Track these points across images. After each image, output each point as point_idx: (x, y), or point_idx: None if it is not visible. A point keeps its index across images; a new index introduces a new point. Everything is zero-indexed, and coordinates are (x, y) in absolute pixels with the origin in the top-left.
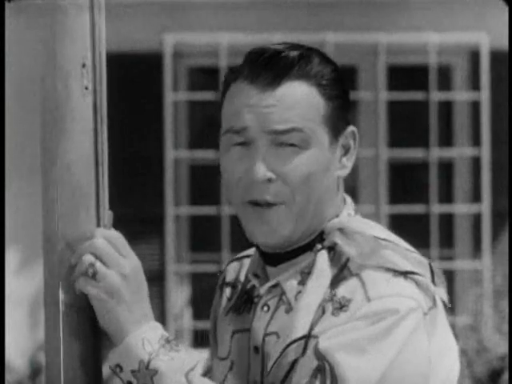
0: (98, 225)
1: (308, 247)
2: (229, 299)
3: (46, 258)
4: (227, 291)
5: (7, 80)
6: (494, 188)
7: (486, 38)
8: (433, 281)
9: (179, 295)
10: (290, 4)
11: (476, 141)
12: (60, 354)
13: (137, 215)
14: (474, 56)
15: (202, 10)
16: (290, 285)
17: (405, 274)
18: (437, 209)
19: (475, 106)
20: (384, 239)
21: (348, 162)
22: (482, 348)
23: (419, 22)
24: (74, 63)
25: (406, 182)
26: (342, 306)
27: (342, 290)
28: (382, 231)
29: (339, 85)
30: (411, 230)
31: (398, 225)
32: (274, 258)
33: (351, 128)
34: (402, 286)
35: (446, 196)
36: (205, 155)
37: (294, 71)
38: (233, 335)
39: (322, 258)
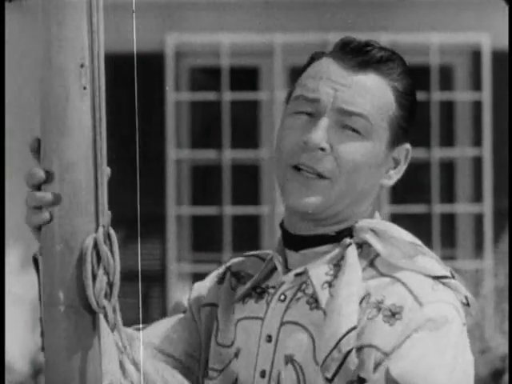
0: (97, 225)
1: (334, 239)
2: (232, 288)
3: (44, 259)
4: (232, 281)
5: (7, 80)
6: (495, 188)
7: (488, 38)
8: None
9: (181, 295)
10: (292, 4)
11: (478, 141)
12: (59, 354)
13: (138, 215)
14: (476, 56)
15: (204, 10)
16: (317, 274)
17: (441, 278)
18: (438, 209)
19: (477, 106)
20: (420, 245)
21: (394, 176)
22: (484, 348)
23: (421, 22)
24: (72, 63)
25: (407, 182)
26: (393, 314)
27: (389, 297)
28: (410, 236)
29: (411, 97)
30: (413, 230)
31: (400, 225)
32: (296, 241)
33: (407, 146)
34: (445, 292)
35: (448, 196)
36: (207, 155)
37: (380, 66)
38: (237, 323)
39: (353, 252)
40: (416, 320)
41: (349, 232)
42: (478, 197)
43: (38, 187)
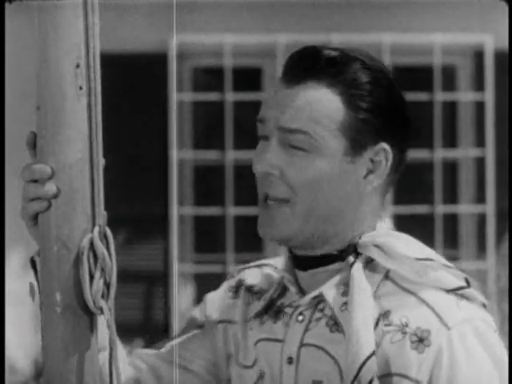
0: (93, 225)
1: (339, 258)
2: (247, 303)
3: (42, 259)
4: (246, 296)
5: (7, 80)
6: (498, 188)
7: (491, 39)
8: None
9: (183, 296)
10: (294, 5)
11: (480, 141)
12: (56, 355)
13: (141, 215)
14: (479, 56)
15: (207, 10)
16: (334, 296)
17: (456, 290)
18: (441, 209)
19: (480, 107)
20: (425, 259)
21: (376, 180)
22: None
23: (423, 23)
24: (67, 63)
25: (410, 183)
26: (421, 339)
27: (413, 319)
28: (420, 249)
29: (375, 97)
30: (416, 230)
31: (403, 225)
32: (303, 261)
33: (383, 146)
34: (470, 307)
35: (451, 196)
36: (209, 156)
37: (320, 73)
38: (256, 343)
39: (358, 270)
40: (446, 345)
41: (353, 249)
42: (480, 197)
43: (35, 181)
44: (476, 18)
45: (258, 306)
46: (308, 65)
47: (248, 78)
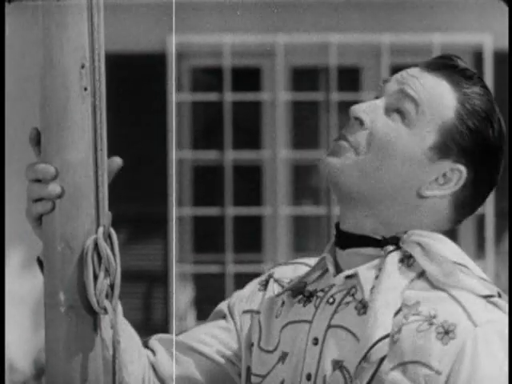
0: (97, 225)
1: (381, 243)
2: (276, 295)
3: (45, 259)
4: (275, 287)
5: (7, 80)
6: (497, 188)
7: (490, 39)
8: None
9: (183, 296)
10: (293, 5)
11: None
12: (60, 355)
13: (140, 216)
14: (478, 57)
15: (206, 10)
16: (367, 278)
17: (486, 297)
18: None
19: None
20: (464, 265)
21: (436, 191)
22: None
23: (422, 23)
24: (72, 64)
25: None
26: (447, 332)
27: (441, 312)
28: (460, 256)
29: (481, 128)
30: None
31: None
32: (346, 238)
33: (461, 168)
34: (498, 311)
35: None
36: (208, 156)
37: (456, 76)
38: (283, 328)
39: (393, 259)
40: (471, 341)
41: (396, 240)
42: None
43: (38, 181)
44: (475, 18)
45: (292, 283)
46: (449, 64)
47: (247, 78)
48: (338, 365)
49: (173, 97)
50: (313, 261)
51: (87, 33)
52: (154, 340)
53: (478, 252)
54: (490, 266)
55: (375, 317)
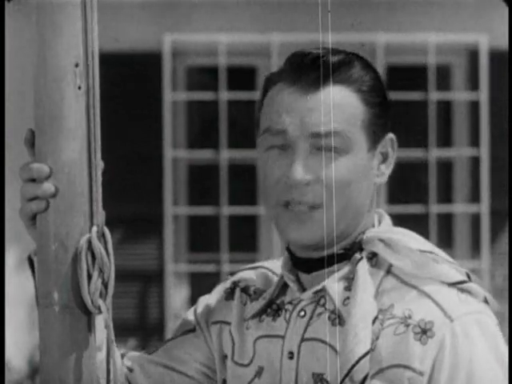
0: (92, 224)
1: (345, 256)
2: (244, 305)
3: (39, 258)
4: (243, 297)
5: (7, 80)
6: (493, 188)
7: (486, 38)
8: None
9: (178, 295)
10: (289, 4)
11: (475, 141)
12: (54, 354)
13: (135, 215)
14: (473, 56)
15: (201, 9)
16: (336, 290)
17: (458, 283)
18: (436, 209)
19: (474, 106)
20: (429, 251)
21: (386, 170)
22: None
23: (418, 22)
24: (66, 63)
25: (404, 182)
26: (424, 331)
27: (416, 311)
28: (423, 243)
29: (379, 92)
30: (410, 230)
31: (397, 225)
32: (308, 264)
33: (390, 135)
34: (472, 300)
35: (445, 196)
36: (203, 155)
37: (336, 76)
38: (255, 341)
39: (363, 267)
40: (449, 336)
41: (358, 246)
42: (475, 197)
43: (33, 180)
44: (470, 18)
45: (256, 305)
46: (324, 69)
47: (242, 77)
48: (318, 378)
49: (168, 96)
50: (271, 264)
51: (81, 32)
52: (129, 358)
53: (473, 252)
54: (486, 266)
55: (355, 332)
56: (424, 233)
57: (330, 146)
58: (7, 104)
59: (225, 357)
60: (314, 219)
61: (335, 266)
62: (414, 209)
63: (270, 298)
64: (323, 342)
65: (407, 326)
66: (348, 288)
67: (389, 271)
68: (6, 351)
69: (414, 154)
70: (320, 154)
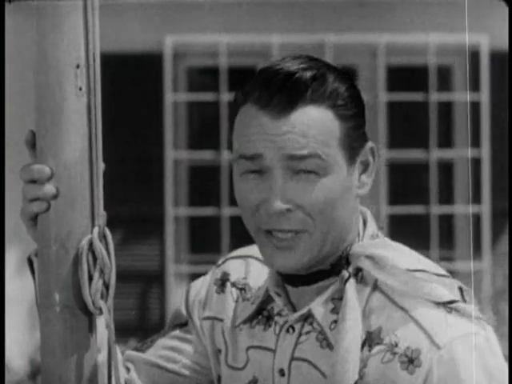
0: (93, 225)
1: (332, 272)
2: (235, 301)
3: (40, 259)
4: (233, 292)
5: (8, 81)
6: (493, 189)
7: (486, 39)
8: (464, 301)
9: (179, 296)
10: (289, 5)
11: (476, 142)
12: (55, 355)
13: (136, 216)
14: (474, 57)
15: (202, 10)
16: (323, 314)
17: (448, 303)
18: (437, 210)
19: (475, 107)
20: (417, 270)
21: (368, 179)
22: None
23: (419, 23)
24: (67, 64)
25: (405, 183)
26: (411, 360)
27: (403, 338)
28: (416, 260)
29: (355, 102)
30: (411, 231)
31: (398, 226)
32: (295, 278)
33: (370, 144)
34: (459, 322)
35: (446, 197)
36: (204, 156)
37: (308, 95)
38: (248, 349)
39: (352, 288)
40: (436, 365)
41: (345, 261)
42: (476, 198)
43: (34, 181)
44: (471, 18)
45: (246, 310)
46: (292, 91)
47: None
48: None
49: (168, 97)
50: (255, 251)
51: (82, 33)
52: (125, 357)
53: (475, 253)
54: (486, 267)
55: (344, 358)
56: (425, 234)
57: (309, 169)
58: (8, 105)
59: (219, 351)
60: (298, 245)
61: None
62: (415, 210)
63: (259, 306)
64: (311, 363)
65: (394, 354)
66: (335, 311)
67: (375, 287)
68: (6, 351)
69: (415, 154)
70: (298, 177)
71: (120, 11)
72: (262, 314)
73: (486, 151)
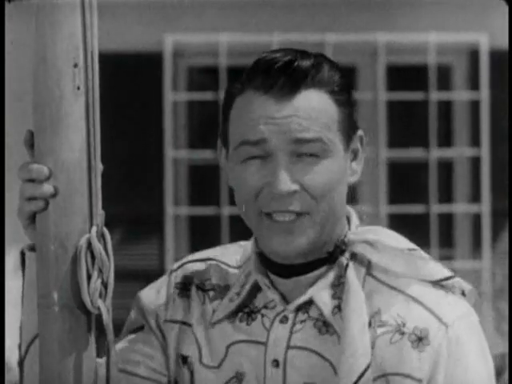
0: (91, 225)
1: (329, 260)
2: (202, 303)
3: (38, 258)
4: (200, 295)
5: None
6: (493, 188)
7: (486, 38)
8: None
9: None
10: (289, 4)
11: (476, 141)
12: (53, 354)
13: (136, 215)
14: (474, 56)
15: (202, 9)
16: (325, 301)
17: (443, 280)
18: (436, 209)
19: (475, 106)
20: (414, 248)
21: (357, 167)
22: None
23: (418, 22)
24: (65, 63)
25: (405, 182)
26: (420, 339)
27: (409, 319)
28: (407, 243)
29: (348, 90)
30: (411, 230)
31: (398, 225)
32: (290, 269)
33: (359, 133)
34: (459, 302)
35: (446, 196)
36: (204, 155)
37: (309, 80)
38: (230, 346)
39: (352, 273)
40: (445, 343)
41: (340, 248)
42: (476, 197)
43: (32, 181)
44: (471, 17)
45: (223, 308)
46: (294, 75)
47: None
48: None
49: (168, 96)
50: (219, 254)
51: (80, 32)
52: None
53: (475, 252)
54: (486, 266)
55: (354, 345)
56: (424, 233)
57: (312, 152)
58: (10, 104)
59: (183, 358)
60: (299, 228)
61: (323, 268)
62: (415, 209)
63: (240, 302)
64: (311, 350)
65: (402, 334)
66: (335, 296)
67: (369, 270)
68: (6, 351)
69: (415, 153)
70: (301, 159)
71: (120, 10)
72: (243, 310)
73: (485, 150)
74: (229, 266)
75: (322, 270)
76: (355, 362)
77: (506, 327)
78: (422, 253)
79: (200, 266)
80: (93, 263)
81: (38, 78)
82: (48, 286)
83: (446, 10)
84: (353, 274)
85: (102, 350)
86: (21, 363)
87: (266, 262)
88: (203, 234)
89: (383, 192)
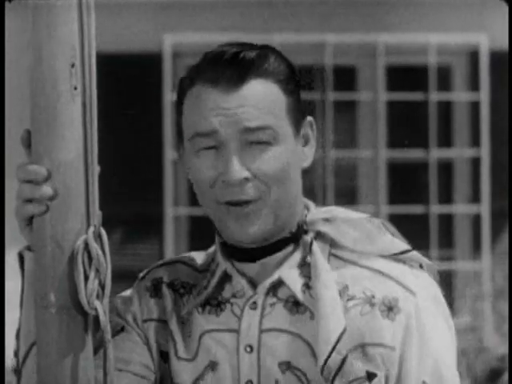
0: (88, 225)
1: (293, 239)
2: (173, 300)
3: (36, 259)
4: (171, 293)
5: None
6: (493, 188)
7: (486, 39)
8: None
9: None
10: (289, 4)
11: (475, 141)
12: (51, 356)
13: (136, 215)
14: (474, 56)
15: (201, 10)
16: (293, 279)
17: (404, 252)
18: (436, 209)
19: (475, 107)
20: (370, 220)
21: (309, 152)
22: (482, 348)
23: (418, 23)
24: (62, 63)
25: (405, 183)
26: (390, 308)
27: (377, 290)
28: (360, 215)
29: (294, 79)
30: (411, 230)
31: (398, 225)
32: (251, 253)
33: (308, 118)
34: (424, 274)
35: (446, 196)
36: None
37: (255, 70)
38: (201, 336)
39: (318, 251)
40: (414, 311)
41: (303, 228)
42: (475, 197)
43: (30, 181)
44: (471, 18)
45: (192, 301)
46: (240, 66)
47: None
48: (286, 366)
49: (168, 96)
50: (183, 258)
51: (77, 31)
52: None
53: (474, 253)
54: (486, 267)
55: (327, 319)
56: (424, 233)
57: (262, 139)
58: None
59: (163, 354)
60: (256, 214)
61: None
62: (415, 209)
63: (208, 295)
64: (283, 330)
65: (372, 305)
66: (303, 274)
67: (332, 250)
68: (6, 351)
69: (415, 154)
70: (251, 148)
71: (119, 10)
72: (211, 303)
73: (485, 151)
74: (196, 268)
75: (288, 250)
76: (331, 331)
77: (506, 328)
78: (378, 222)
79: (167, 269)
80: (90, 264)
81: (34, 78)
82: (45, 286)
83: (446, 10)
84: (318, 251)
85: (99, 350)
86: (17, 371)
87: (231, 250)
88: (203, 235)
89: (383, 192)
